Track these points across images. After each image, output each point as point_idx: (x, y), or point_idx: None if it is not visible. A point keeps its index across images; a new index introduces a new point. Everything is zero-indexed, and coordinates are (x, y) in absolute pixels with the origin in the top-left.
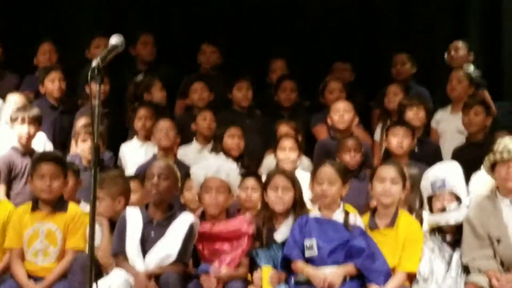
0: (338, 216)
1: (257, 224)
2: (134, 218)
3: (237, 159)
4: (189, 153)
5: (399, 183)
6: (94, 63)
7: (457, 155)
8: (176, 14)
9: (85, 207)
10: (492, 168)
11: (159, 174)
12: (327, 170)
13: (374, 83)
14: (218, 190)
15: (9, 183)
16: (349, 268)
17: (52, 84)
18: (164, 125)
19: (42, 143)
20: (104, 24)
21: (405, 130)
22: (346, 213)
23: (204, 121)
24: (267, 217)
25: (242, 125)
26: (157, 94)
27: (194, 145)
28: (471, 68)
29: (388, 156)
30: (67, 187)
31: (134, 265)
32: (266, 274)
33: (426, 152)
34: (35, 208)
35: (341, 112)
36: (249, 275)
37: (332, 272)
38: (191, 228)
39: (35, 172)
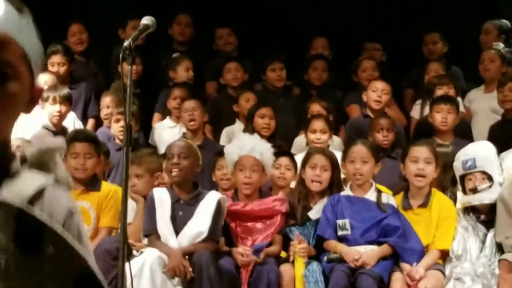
0: (370, 195)
1: (292, 201)
2: (162, 198)
3: (268, 139)
4: (236, 132)
5: (432, 162)
6: (126, 43)
7: (493, 133)
8: None
9: None
10: None
11: (179, 154)
12: (360, 149)
13: (404, 62)
14: (252, 169)
15: None
16: (384, 249)
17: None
18: (189, 106)
19: (72, 122)
20: (137, 4)
21: (450, 106)
22: (379, 192)
23: (247, 102)
24: (303, 195)
25: (276, 105)
26: (182, 73)
27: (238, 126)
28: (500, 46)
29: (421, 133)
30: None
31: (168, 243)
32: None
33: (459, 130)
34: None
35: (379, 93)
36: (283, 252)
37: (367, 253)
38: (219, 204)
39: (69, 151)
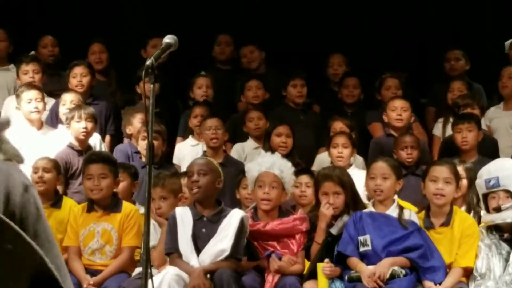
0: (392, 211)
1: (313, 219)
2: (183, 217)
3: (286, 157)
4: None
5: (453, 182)
6: (148, 62)
7: None
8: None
9: (141, 209)
10: None
11: (198, 171)
12: (380, 165)
13: (424, 80)
14: (271, 185)
15: (66, 181)
16: (402, 260)
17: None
18: (212, 124)
19: (98, 142)
20: (157, 24)
21: (468, 124)
22: (401, 209)
23: (251, 122)
24: None
25: (296, 121)
26: (197, 91)
27: (250, 143)
28: None
29: (447, 152)
30: (121, 187)
31: (189, 262)
32: (320, 269)
33: (485, 148)
34: (90, 209)
35: (399, 111)
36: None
37: (379, 264)
38: (242, 222)
39: (85, 173)
